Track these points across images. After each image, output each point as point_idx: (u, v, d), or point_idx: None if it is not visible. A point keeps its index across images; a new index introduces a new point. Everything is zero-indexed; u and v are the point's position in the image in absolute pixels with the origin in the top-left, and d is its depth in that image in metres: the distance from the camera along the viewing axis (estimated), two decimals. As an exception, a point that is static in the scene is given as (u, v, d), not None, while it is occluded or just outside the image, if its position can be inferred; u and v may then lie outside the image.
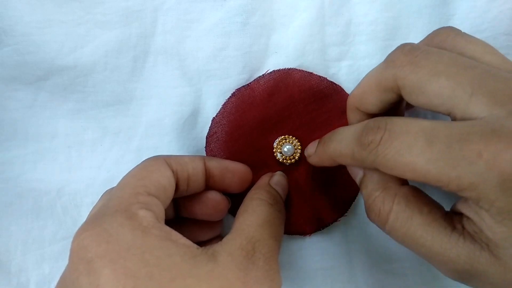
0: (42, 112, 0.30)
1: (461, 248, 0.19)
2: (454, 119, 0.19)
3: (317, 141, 0.26)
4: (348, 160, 0.22)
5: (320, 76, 0.29)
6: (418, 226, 0.20)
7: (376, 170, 0.21)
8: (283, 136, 0.29)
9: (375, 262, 0.31)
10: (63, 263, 0.22)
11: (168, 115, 0.30)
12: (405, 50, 0.21)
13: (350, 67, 0.29)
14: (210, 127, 0.30)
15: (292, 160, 0.29)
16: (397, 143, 0.19)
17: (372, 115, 0.24)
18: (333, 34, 0.29)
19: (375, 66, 0.29)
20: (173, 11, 0.29)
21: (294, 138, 0.29)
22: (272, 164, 0.30)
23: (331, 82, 0.29)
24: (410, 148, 0.18)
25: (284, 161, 0.29)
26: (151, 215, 0.21)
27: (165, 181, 0.24)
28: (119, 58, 0.29)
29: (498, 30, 0.28)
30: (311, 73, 0.29)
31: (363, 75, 0.29)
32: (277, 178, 0.28)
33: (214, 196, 0.27)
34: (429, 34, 0.24)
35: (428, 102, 0.20)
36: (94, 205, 0.25)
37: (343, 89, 0.29)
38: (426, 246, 0.19)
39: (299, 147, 0.29)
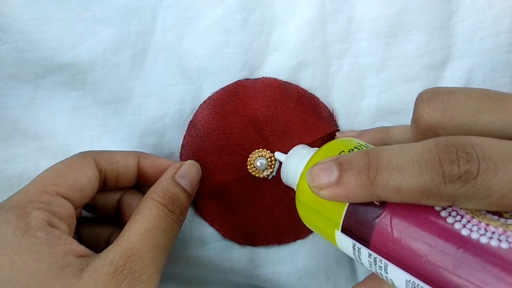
0: (41, 110, 0.30)
1: None
2: None
3: (320, 163, 0.20)
4: (414, 195, 0.17)
5: (276, 80, 0.29)
6: None
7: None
8: (255, 150, 0.30)
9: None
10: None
11: (168, 113, 0.30)
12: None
13: (351, 64, 0.29)
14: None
15: (270, 171, 0.29)
16: (503, 173, 0.16)
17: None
18: (335, 31, 0.29)
19: (377, 63, 0.29)
20: (173, 8, 0.28)
21: (264, 150, 0.29)
22: (251, 179, 0.30)
23: (278, 82, 0.29)
24: None
25: (260, 174, 0.29)
26: (45, 217, 0.22)
27: (83, 181, 0.24)
28: (118, 55, 0.29)
29: (500, 28, 0.28)
30: (262, 81, 0.29)
31: (365, 73, 0.29)
32: (185, 169, 0.27)
33: None
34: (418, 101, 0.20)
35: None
36: None
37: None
38: None
39: (273, 158, 0.29)
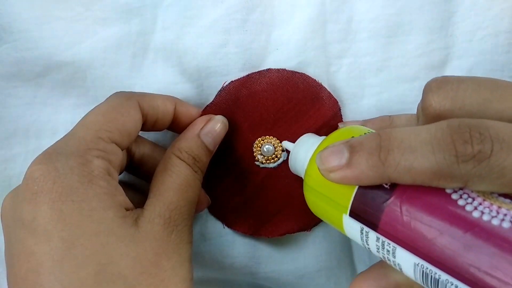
0: (42, 108, 0.30)
1: None
2: None
3: (331, 146, 0.20)
4: (426, 176, 0.17)
5: (278, 70, 0.29)
6: None
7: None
8: (260, 138, 0.29)
9: (377, 260, 0.31)
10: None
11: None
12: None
13: (351, 64, 0.29)
14: None
15: (275, 159, 0.29)
16: None
17: None
18: (334, 31, 0.29)
19: (376, 63, 0.29)
20: (173, 7, 0.28)
21: (272, 137, 0.29)
22: (255, 169, 0.30)
23: (292, 71, 0.29)
24: None
25: (267, 162, 0.29)
26: (105, 166, 0.22)
27: (131, 127, 0.25)
28: (118, 54, 0.29)
29: (499, 28, 0.28)
30: (269, 69, 0.29)
31: (364, 73, 0.29)
32: (211, 126, 0.27)
33: (201, 198, 0.28)
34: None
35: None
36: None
37: (308, 76, 0.29)
38: None
39: (280, 145, 0.29)
